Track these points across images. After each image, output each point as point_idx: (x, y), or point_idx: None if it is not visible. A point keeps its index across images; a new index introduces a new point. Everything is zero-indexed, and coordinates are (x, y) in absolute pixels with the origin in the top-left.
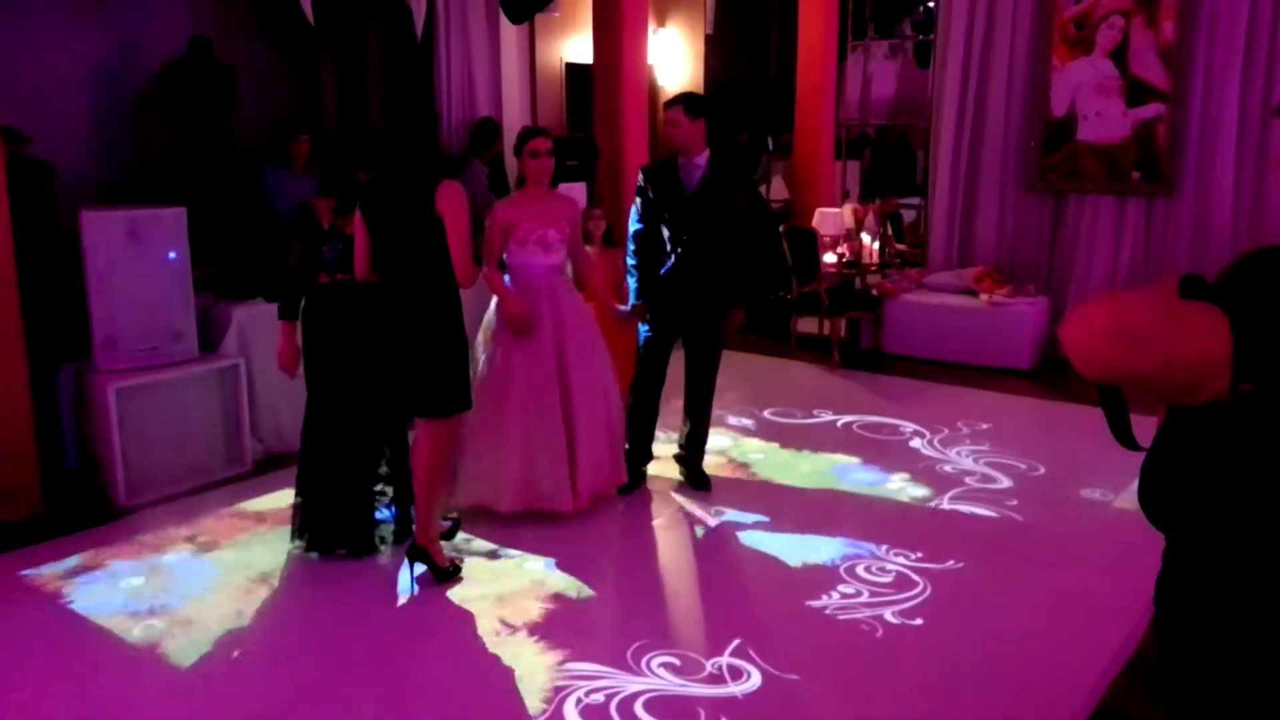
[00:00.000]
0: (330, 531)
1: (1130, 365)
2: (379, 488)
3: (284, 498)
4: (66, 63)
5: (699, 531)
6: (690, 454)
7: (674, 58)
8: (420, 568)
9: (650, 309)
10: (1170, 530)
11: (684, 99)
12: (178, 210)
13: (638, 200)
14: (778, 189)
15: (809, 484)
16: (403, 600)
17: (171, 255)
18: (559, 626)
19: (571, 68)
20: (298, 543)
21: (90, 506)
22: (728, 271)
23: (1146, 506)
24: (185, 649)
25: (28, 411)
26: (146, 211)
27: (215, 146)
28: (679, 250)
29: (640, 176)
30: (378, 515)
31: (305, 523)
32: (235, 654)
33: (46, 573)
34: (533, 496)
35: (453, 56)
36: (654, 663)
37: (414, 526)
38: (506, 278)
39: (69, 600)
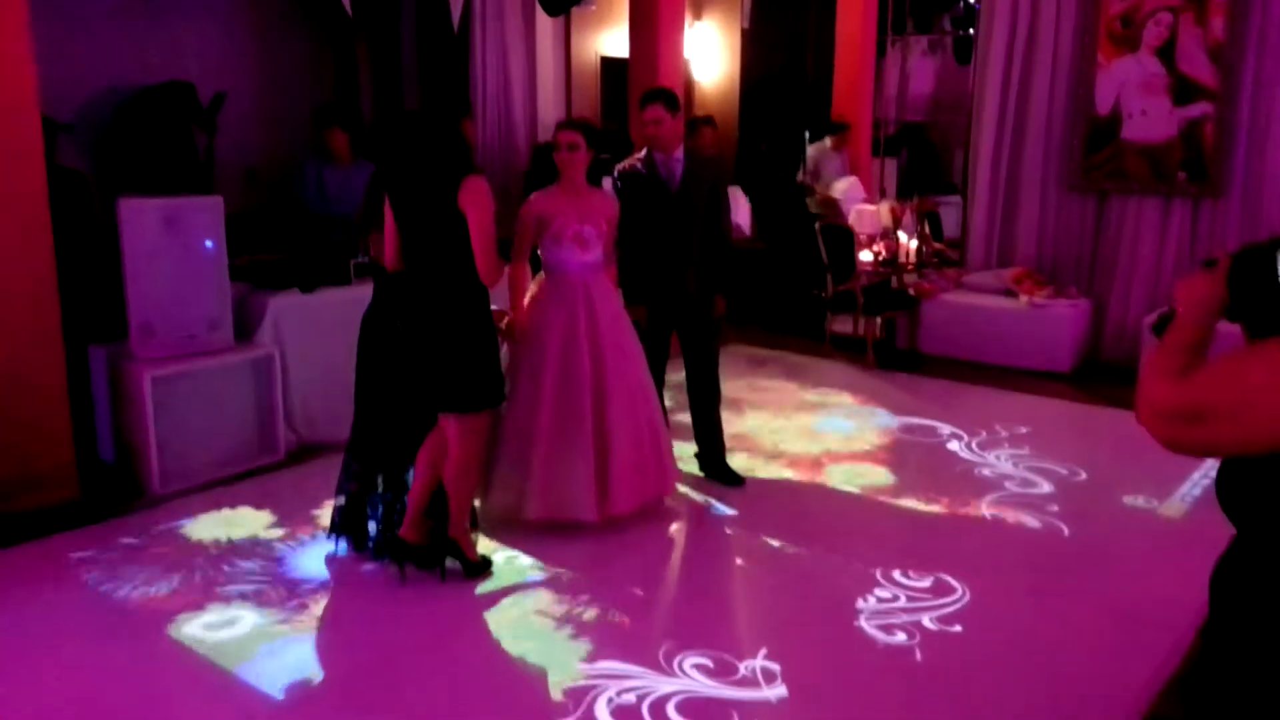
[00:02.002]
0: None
1: (1209, 439)
2: (381, 491)
3: (315, 488)
4: (106, 60)
5: (728, 532)
6: (710, 455)
7: (710, 52)
8: (451, 561)
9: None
10: (1247, 525)
11: (662, 95)
12: (214, 199)
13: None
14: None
15: (844, 485)
16: (430, 594)
17: (208, 244)
18: (588, 626)
19: (606, 61)
20: (340, 543)
21: (124, 493)
22: (711, 260)
23: (1224, 500)
24: (215, 638)
25: (63, 397)
26: (183, 200)
27: (182, 168)
28: (665, 246)
29: (616, 182)
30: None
31: (346, 524)
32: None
33: (78, 557)
34: (557, 504)
35: (488, 48)
36: (685, 664)
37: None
38: (539, 275)
39: (100, 585)
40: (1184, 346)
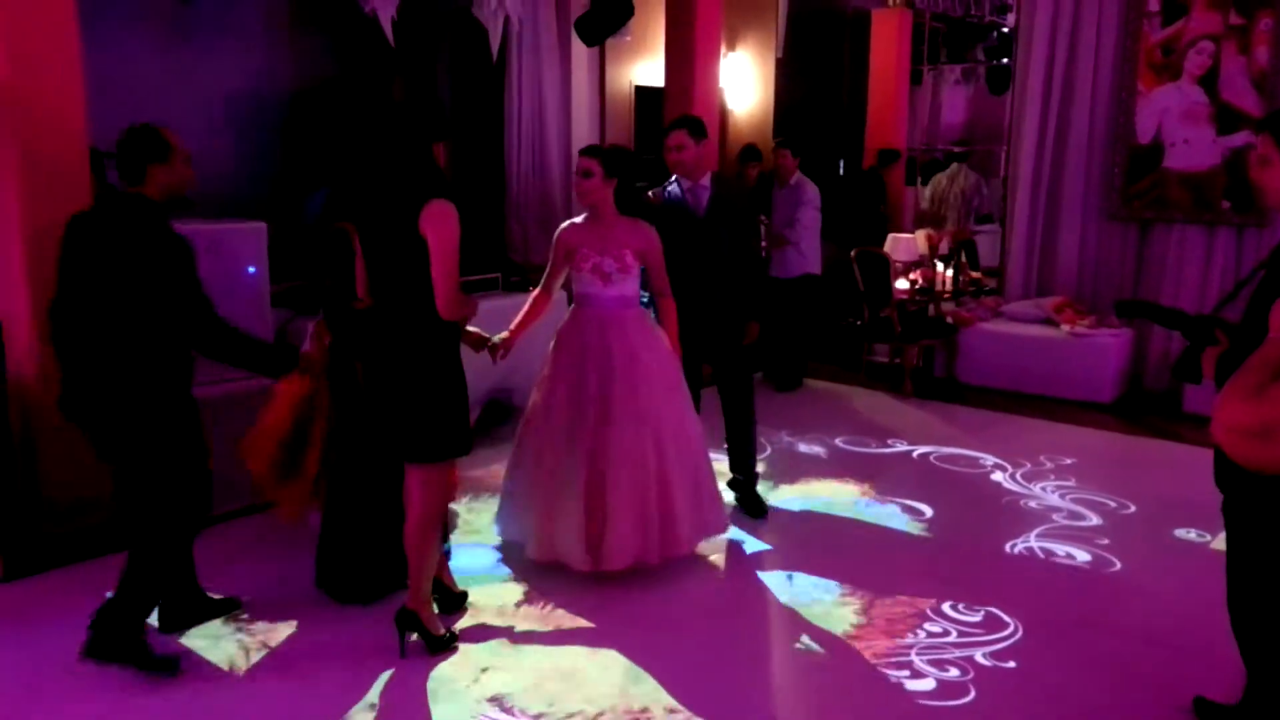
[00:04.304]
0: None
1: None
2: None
3: None
4: (153, 85)
5: (768, 566)
6: (741, 482)
7: (744, 81)
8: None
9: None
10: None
11: (687, 122)
12: (258, 225)
13: None
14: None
15: (887, 516)
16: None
17: (251, 270)
18: (611, 671)
19: (641, 90)
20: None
21: None
22: (742, 285)
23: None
24: (251, 663)
25: None
26: (228, 226)
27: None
28: (692, 273)
29: (650, 213)
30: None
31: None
32: None
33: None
34: (550, 546)
35: (524, 78)
36: (734, 703)
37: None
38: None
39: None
40: (1272, 368)
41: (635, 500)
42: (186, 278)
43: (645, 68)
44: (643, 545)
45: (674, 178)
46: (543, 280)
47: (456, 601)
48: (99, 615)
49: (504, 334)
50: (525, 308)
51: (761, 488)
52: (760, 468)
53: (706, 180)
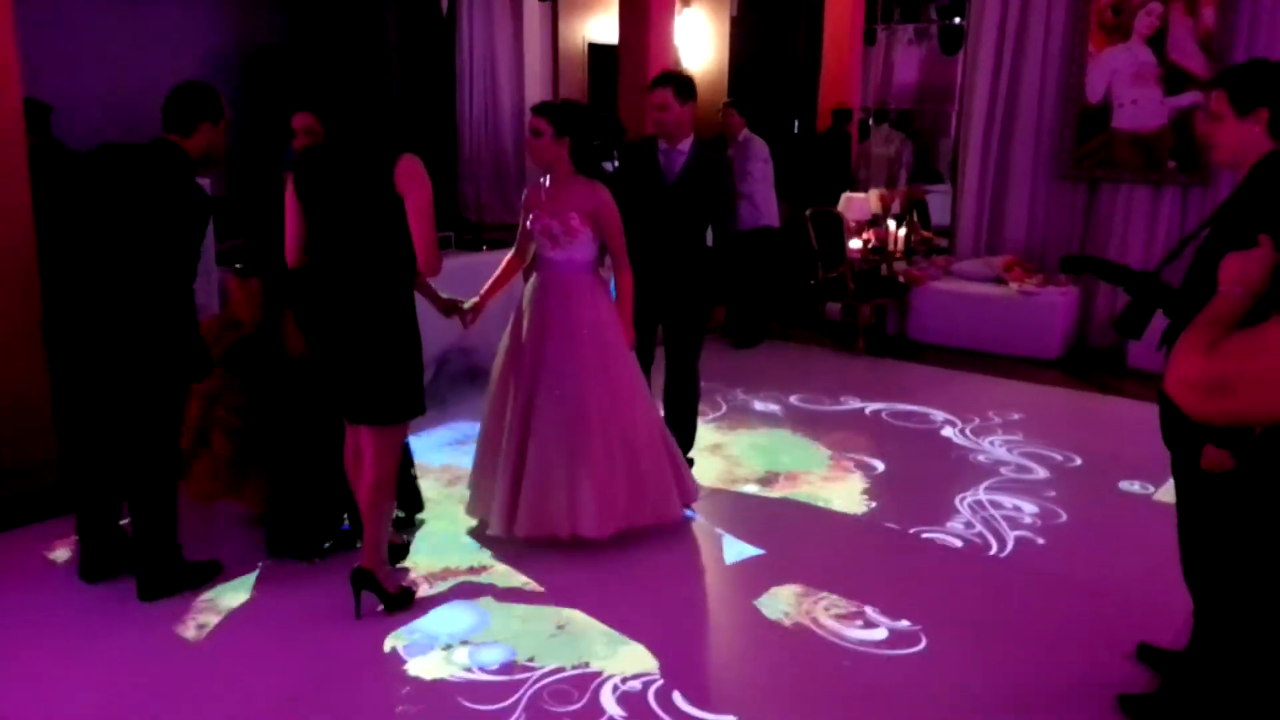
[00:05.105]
0: (290, 534)
1: (1238, 409)
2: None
3: None
4: (107, 44)
5: (724, 527)
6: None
7: (698, 39)
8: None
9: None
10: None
11: (673, 80)
12: (202, 181)
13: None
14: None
15: (837, 469)
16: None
17: None
18: (575, 648)
19: (595, 48)
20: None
21: None
22: (704, 263)
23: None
24: (187, 632)
25: (44, 383)
26: None
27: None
28: (652, 237)
29: (618, 160)
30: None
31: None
32: None
33: (54, 545)
34: (488, 511)
35: (475, 33)
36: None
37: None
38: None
39: (74, 575)
40: (1224, 322)
41: (545, 468)
42: (195, 237)
43: (599, 24)
44: (548, 519)
45: (653, 135)
46: (515, 244)
47: (399, 553)
48: (137, 560)
49: (474, 299)
50: (498, 270)
51: (716, 445)
52: (716, 426)
53: (685, 145)
